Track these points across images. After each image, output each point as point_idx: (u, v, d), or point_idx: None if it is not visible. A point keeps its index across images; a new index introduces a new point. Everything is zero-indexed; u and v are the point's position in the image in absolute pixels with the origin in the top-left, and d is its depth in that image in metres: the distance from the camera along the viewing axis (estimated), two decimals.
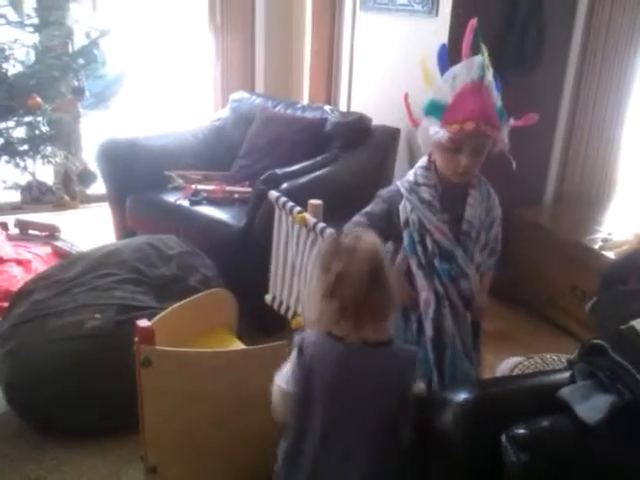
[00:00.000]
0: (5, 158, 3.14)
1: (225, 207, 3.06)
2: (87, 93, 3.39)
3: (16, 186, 3.48)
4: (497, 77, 1.73)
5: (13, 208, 3.90)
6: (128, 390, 1.85)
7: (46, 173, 3.86)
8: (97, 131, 3.71)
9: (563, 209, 3.48)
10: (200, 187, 3.19)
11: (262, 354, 1.90)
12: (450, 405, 1.36)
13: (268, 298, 2.37)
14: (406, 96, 1.83)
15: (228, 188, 3.19)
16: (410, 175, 1.84)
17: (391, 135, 3.27)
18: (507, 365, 2.30)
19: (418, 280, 1.79)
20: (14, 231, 3.38)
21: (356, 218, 1.84)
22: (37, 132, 3.20)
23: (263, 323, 2.66)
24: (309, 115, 3.43)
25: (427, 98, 1.74)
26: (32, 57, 3.25)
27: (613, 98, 3.30)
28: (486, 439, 1.29)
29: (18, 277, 2.82)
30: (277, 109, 3.55)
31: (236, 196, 3.15)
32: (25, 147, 3.18)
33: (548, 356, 2.33)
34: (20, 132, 3.23)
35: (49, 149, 3.22)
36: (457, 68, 1.68)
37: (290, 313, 2.24)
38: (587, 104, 3.33)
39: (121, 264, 2.47)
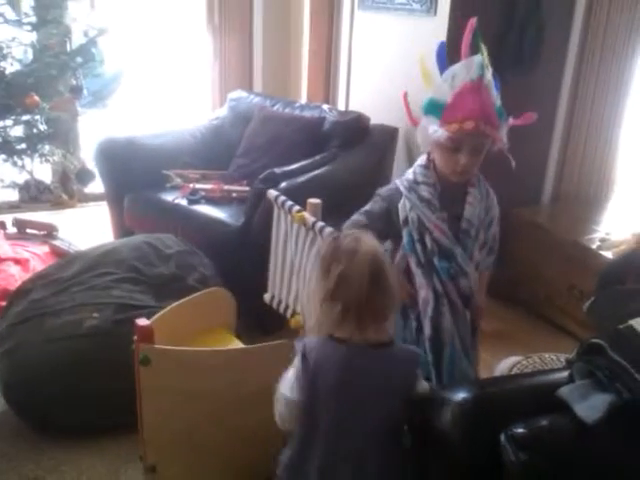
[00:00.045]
0: (3, 157, 3.13)
1: (223, 206, 3.06)
2: (85, 92, 3.38)
3: (14, 185, 3.48)
4: (496, 76, 1.73)
5: (11, 207, 3.90)
6: (126, 389, 1.85)
7: (44, 172, 3.86)
8: (95, 130, 3.71)
9: (561, 209, 3.48)
10: (198, 186, 3.19)
11: (261, 353, 1.90)
12: (449, 405, 1.35)
13: (267, 297, 2.36)
14: (405, 95, 1.84)
15: (226, 187, 3.19)
16: (409, 174, 1.84)
17: (389, 134, 3.27)
18: (505, 365, 2.31)
19: (417, 278, 1.79)
20: (12, 230, 3.37)
21: (355, 217, 1.84)
22: (35, 131, 3.19)
23: (262, 322, 2.66)
24: (307, 114, 3.43)
25: (426, 97, 1.74)
26: (30, 56, 3.24)
27: (611, 98, 3.30)
28: (485, 438, 1.29)
29: (16, 276, 2.81)
30: (275, 108, 3.55)
31: (234, 195, 3.15)
32: (23, 146, 3.17)
33: (546, 355, 2.34)
34: (18, 131, 3.23)
35: (47, 148, 3.22)
36: (456, 67, 1.69)
37: (289, 312, 2.24)
38: (585, 104, 3.34)
39: (119, 263, 2.47)
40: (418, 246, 1.78)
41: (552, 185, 3.55)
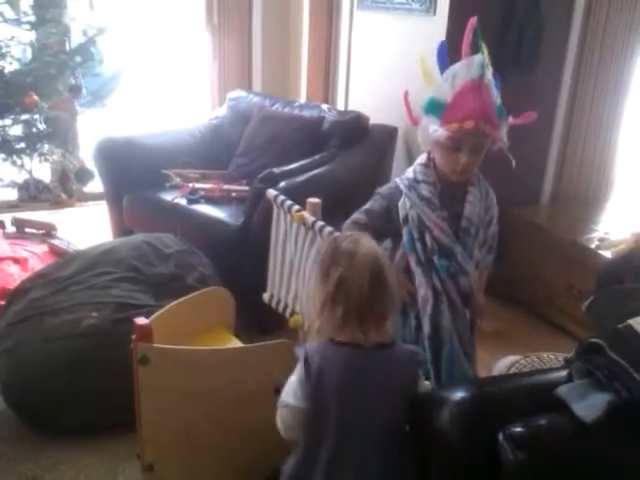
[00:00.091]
0: (2, 156, 3.13)
1: (222, 206, 3.06)
2: (84, 91, 3.39)
3: (13, 184, 3.48)
4: (496, 75, 1.73)
5: (10, 206, 3.89)
6: (125, 388, 1.84)
7: (43, 171, 3.86)
8: (94, 129, 3.71)
9: (560, 209, 3.48)
10: (197, 186, 3.19)
11: (260, 352, 1.90)
12: (447, 404, 1.35)
13: (266, 296, 2.36)
14: (406, 94, 1.84)
15: (225, 187, 3.19)
16: (409, 172, 1.84)
17: (389, 134, 3.27)
18: (504, 364, 2.31)
19: (417, 277, 1.79)
20: (11, 229, 3.37)
21: (355, 215, 1.84)
22: (34, 130, 3.19)
23: (261, 321, 2.66)
24: (306, 114, 3.43)
25: (426, 96, 1.74)
26: (29, 55, 3.24)
27: (610, 98, 3.30)
28: (483, 437, 1.29)
29: (15, 275, 2.81)
30: (274, 108, 3.55)
31: (233, 195, 3.15)
32: (22, 145, 3.17)
33: (545, 355, 2.34)
34: (17, 130, 3.23)
35: (46, 147, 3.22)
36: (457, 66, 1.69)
37: (288, 311, 2.24)
38: (584, 104, 3.34)
39: (118, 262, 2.47)
40: (418, 245, 1.78)
41: (551, 185, 3.55)
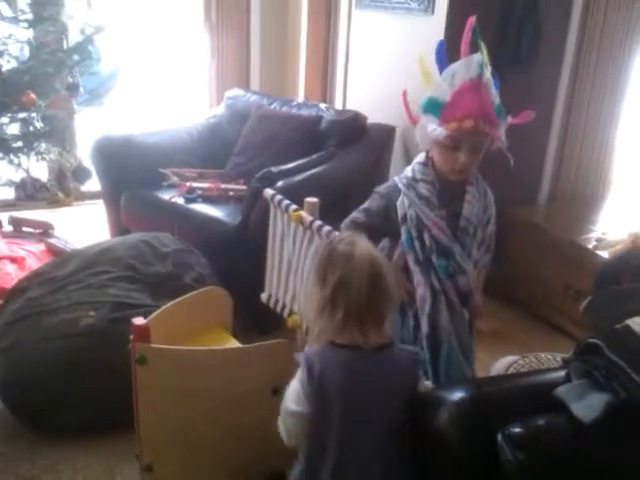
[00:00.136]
0: None
1: (220, 205, 3.06)
2: (81, 89, 3.37)
3: (10, 183, 3.47)
4: (495, 75, 1.73)
5: (7, 205, 3.89)
6: (123, 388, 1.84)
7: (40, 170, 3.85)
8: (92, 128, 3.70)
9: (558, 208, 3.49)
10: (195, 185, 3.19)
11: (258, 352, 1.90)
12: (446, 404, 1.35)
13: (264, 296, 2.36)
14: (405, 93, 1.83)
15: (223, 186, 3.19)
16: (408, 171, 1.84)
17: (386, 133, 3.27)
18: (502, 364, 2.31)
19: (415, 276, 1.79)
20: (8, 228, 3.37)
21: (354, 214, 1.84)
22: (31, 128, 3.18)
23: (259, 321, 2.66)
24: (304, 113, 3.43)
25: (425, 96, 1.74)
26: (26, 53, 3.23)
27: (608, 97, 3.31)
28: (482, 438, 1.29)
29: (12, 274, 2.81)
30: (272, 107, 3.55)
31: (231, 194, 3.15)
32: (19, 144, 3.16)
33: (543, 355, 2.34)
34: (14, 129, 3.21)
35: (43, 146, 3.20)
36: (456, 66, 1.69)
37: (286, 311, 2.24)
38: (582, 103, 3.34)
39: (115, 261, 2.46)
40: (416, 243, 1.78)
41: (549, 185, 3.56)
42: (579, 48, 3.30)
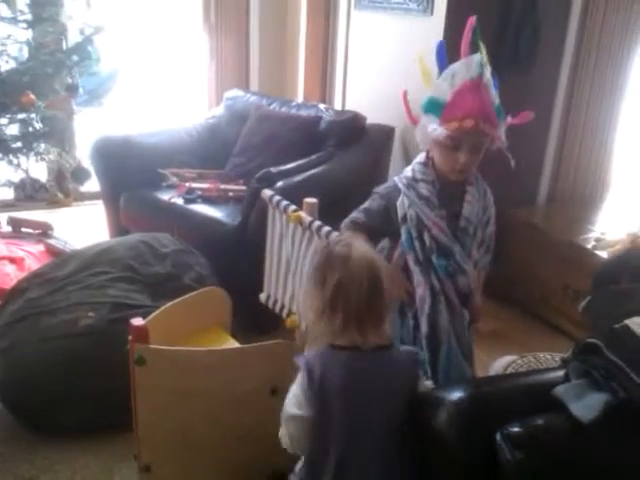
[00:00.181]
0: None
1: (219, 205, 3.06)
2: (81, 90, 3.37)
3: (9, 183, 3.47)
4: (495, 75, 1.73)
5: (6, 205, 3.88)
6: (121, 388, 1.84)
7: (39, 170, 3.85)
8: (91, 128, 3.70)
9: (557, 209, 3.49)
10: (194, 185, 3.18)
11: (256, 353, 1.90)
12: (445, 404, 1.36)
13: (263, 297, 2.36)
14: (405, 94, 1.83)
15: (222, 186, 3.19)
16: (408, 171, 1.84)
17: (386, 134, 3.27)
18: (500, 364, 2.31)
19: (415, 276, 1.79)
20: (7, 229, 3.36)
21: (354, 214, 1.84)
22: (30, 129, 3.18)
23: (257, 322, 2.66)
24: (304, 113, 3.43)
25: (425, 96, 1.74)
26: (25, 54, 3.23)
27: (607, 98, 3.31)
28: (481, 438, 1.29)
29: (11, 275, 2.81)
30: (272, 107, 3.55)
31: (230, 194, 3.15)
32: (18, 144, 3.16)
33: (541, 355, 2.34)
34: (13, 129, 3.21)
35: (42, 146, 3.20)
36: (456, 66, 1.69)
37: (285, 312, 2.24)
38: (581, 104, 3.35)
39: (115, 262, 2.46)
40: (416, 243, 1.78)
41: (548, 185, 3.56)
42: (578, 49, 3.30)
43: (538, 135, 3.40)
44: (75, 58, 3.27)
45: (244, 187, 3.09)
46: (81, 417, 2.19)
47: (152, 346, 1.78)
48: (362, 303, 1.40)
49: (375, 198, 1.85)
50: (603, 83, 3.28)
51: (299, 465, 1.52)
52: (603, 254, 2.81)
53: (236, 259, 2.76)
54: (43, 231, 3.36)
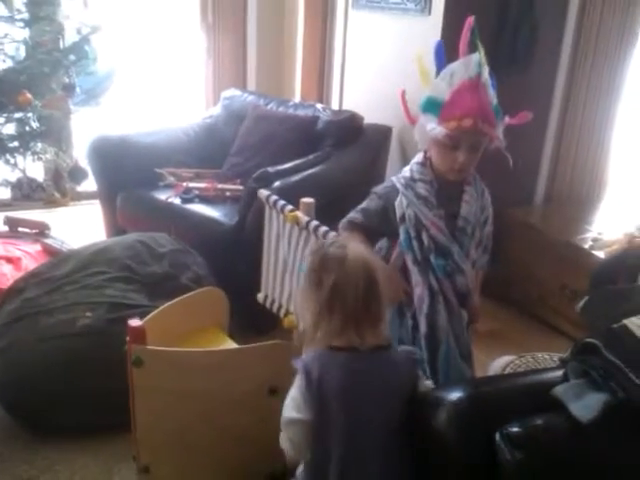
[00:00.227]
0: None
1: (217, 205, 3.05)
2: (78, 89, 3.36)
3: (6, 183, 3.46)
4: (493, 75, 1.73)
5: (3, 205, 3.87)
6: (120, 388, 1.84)
7: (36, 170, 3.84)
8: (88, 128, 3.69)
9: (554, 209, 3.49)
10: (192, 185, 3.18)
11: (254, 353, 1.89)
12: (444, 404, 1.36)
13: (260, 296, 2.36)
14: (403, 93, 1.83)
15: (220, 186, 3.18)
16: (406, 171, 1.84)
17: (383, 133, 3.27)
18: (499, 364, 2.32)
19: (413, 276, 1.79)
20: (3, 228, 3.35)
21: (351, 214, 1.84)
22: (27, 128, 3.17)
23: (255, 322, 2.65)
24: (301, 113, 3.43)
25: (424, 95, 1.74)
26: (22, 53, 3.22)
27: (603, 98, 3.31)
28: (480, 438, 1.29)
29: (8, 275, 2.80)
30: (269, 107, 3.55)
31: (228, 194, 3.14)
32: (15, 144, 3.15)
33: (539, 355, 2.35)
34: (10, 128, 3.20)
35: (39, 146, 3.19)
36: (455, 65, 1.69)
37: (282, 312, 2.24)
38: (578, 104, 3.35)
39: (112, 262, 2.46)
40: (415, 243, 1.78)
41: (545, 185, 3.56)
42: (575, 49, 3.31)
43: (535, 135, 3.40)
44: (72, 57, 3.26)
45: (241, 187, 3.08)
46: (80, 417, 2.19)
47: (149, 347, 1.78)
48: (359, 304, 1.40)
49: (373, 198, 1.85)
50: (600, 83, 3.28)
51: (300, 469, 1.52)
52: (600, 254, 2.82)
53: (233, 259, 2.76)
54: (40, 231, 3.35)
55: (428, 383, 1.53)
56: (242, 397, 1.87)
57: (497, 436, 1.27)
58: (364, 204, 1.85)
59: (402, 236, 1.79)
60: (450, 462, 1.32)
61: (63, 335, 2.19)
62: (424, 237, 1.77)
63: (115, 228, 3.33)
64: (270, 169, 2.80)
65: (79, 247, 2.71)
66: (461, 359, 1.83)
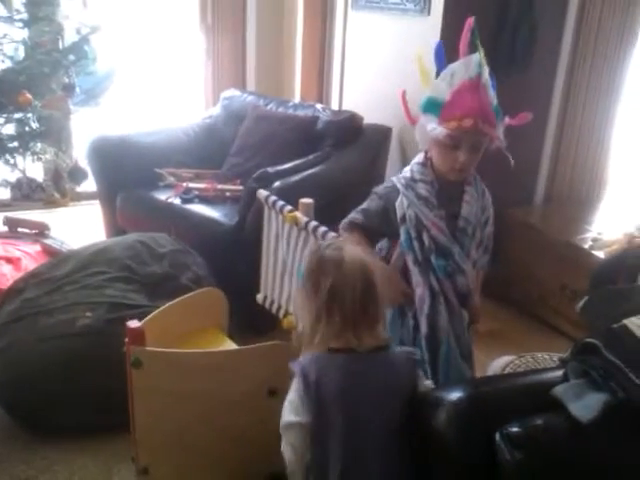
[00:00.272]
0: None
1: (217, 205, 3.05)
2: (77, 90, 3.36)
3: (6, 183, 3.46)
4: (492, 75, 1.74)
5: (2, 205, 3.86)
6: (119, 388, 1.84)
7: (36, 170, 3.83)
8: (87, 128, 3.69)
9: (553, 209, 3.49)
10: (191, 185, 3.18)
11: (253, 354, 1.89)
12: (444, 404, 1.36)
13: (259, 297, 2.36)
14: (403, 93, 1.83)
15: (220, 186, 3.18)
16: (406, 172, 1.84)
17: (383, 134, 3.27)
18: (498, 364, 2.31)
19: (414, 276, 1.79)
20: (3, 229, 3.35)
21: (352, 215, 1.84)
22: (27, 129, 3.17)
23: (254, 322, 2.65)
24: (301, 113, 3.43)
25: (424, 95, 1.74)
26: (21, 53, 3.22)
27: (603, 97, 3.31)
28: (480, 438, 1.29)
29: (7, 275, 2.80)
30: (269, 107, 3.55)
31: (228, 194, 3.14)
32: (15, 144, 3.15)
33: (539, 355, 2.34)
34: (10, 129, 3.20)
35: (39, 146, 3.20)
36: (455, 65, 1.69)
37: (281, 312, 2.24)
38: (577, 103, 3.35)
39: (112, 262, 2.46)
40: (415, 244, 1.77)
41: (545, 185, 3.56)
42: (574, 49, 3.31)
43: (535, 135, 3.40)
44: (72, 57, 3.26)
45: (241, 187, 3.08)
46: (79, 417, 2.19)
47: (148, 348, 1.78)
48: (357, 306, 1.40)
49: (374, 199, 1.85)
50: (600, 82, 3.28)
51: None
52: (600, 254, 2.82)
53: (233, 259, 2.76)
54: (40, 231, 3.35)
55: (428, 383, 1.53)
56: (241, 398, 1.87)
57: (497, 436, 1.27)
58: (365, 204, 1.85)
59: (403, 236, 1.79)
60: (450, 462, 1.32)
61: (63, 335, 2.18)
62: (425, 237, 1.77)
63: (115, 228, 3.33)
64: (270, 169, 2.80)
65: (79, 247, 2.71)
66: (462, 359, 1.83)
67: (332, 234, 1.92)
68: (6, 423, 2.25)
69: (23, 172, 3.42)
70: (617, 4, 3.14)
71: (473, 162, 1.75)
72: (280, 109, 3.51)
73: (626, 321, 1.45)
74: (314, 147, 3.22)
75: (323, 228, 1.95)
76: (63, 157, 3.41)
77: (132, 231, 3.01)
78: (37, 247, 3.17)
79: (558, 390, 1.35)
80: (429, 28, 3.00)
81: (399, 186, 1.80)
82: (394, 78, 3.07)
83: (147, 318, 1.96)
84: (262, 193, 2.26)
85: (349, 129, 3.27)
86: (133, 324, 1.77)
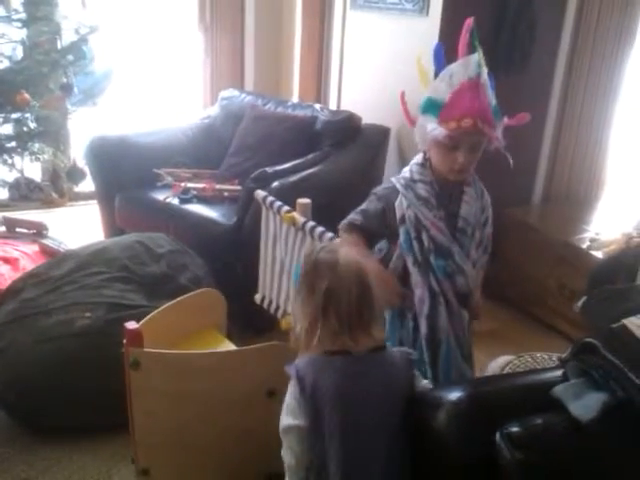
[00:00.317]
0: None
1: (215, 205, 3.05)
2: (75, 90, 3.36)
3: (4, 183, 3.46)
4: (491, 76, 1.74)
5: (0, 205, 3.86)
6: (119, 389, 1.83)
7: (34, 170, 3.83)
8: (86, 128, 3.69)
9: (552, 209, 3.50)
10: (190, 185, 3.18)
11: (252, 354, 1.89)
12: (444, 404, 1.36)
13: (257, 297, 2.36)
14: (403, 94, 1.83)
15: (218, 186, 3.18)
16: (406, 172, 1.84)
17: (381, 134, 3.27)
18: (497, 364, 2.32)
19: (413, 277, 1.79)
20: (1, 229, 3.35)
21: (351, 216, 1.84)
22: (25, 129, 3.17)
23: (253, 322, 2.65)
24: (299, 113, 3.42)
25: (423, 96, 1.74)
26: (20, 53, 3.21)
27: (601, 97, 3.32)
28: (480, 437, 1.29)
29: (5, 275, 2.79)
30: (267, 107, 3.55)
31: (226, 194, 3.14)
32: (13, 144, 3.15)
33: (538, 355, 2.35)
34: (8, 129, 3.20)
35: (37, 146, 3.19)
36: (454, 66, 1.69)
37: (280, 312, 2.24)
38: (575, 103, 3.36)
39: (110, 262, 2.45)
40: (415, 244, 1.77)
41: (543, 185, 3.57)
42: (573, 49, 3.31)
43: (533, 135, 3.40)
44: (70, 57, 3.25)
45: (239, 187, 3.08)
46: (78, 418, 2.19)
47: (146, 350, 1.78)
48: (352, 308, 1.40)
49: (373, 199, 1.85)
50: (598, 82, 3.29)
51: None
52: (598, 254, 2.82)
53: (231, 259, 2.76)
54: (38, 231, 3.34)
55: (425, 383, 1.53)
56: (240, 398, 1.87)
57: (497, 436, 1.27)
58: (364, 205, 1.85)
59: (402, 237, 1.79)
60: (450, 462, 1.32)
61: (62, 335, 2.18)
62: (424, 238, 1.77)
63: (113, 228, 3.33)
64: (268, 169, 2.80)
65: (77, 247, 2.70)
66: (462, 359, 1.83)
67: (329, 234, 1.92)
68: (6, 424, 2.25)
69: (21, 172, 3.42)
70: (615, 4, 3.15)
71: (472, 162, 1.75)
72: (278, 109, 3.51)
73: (625, 321, 1.45)
74: (312, 147, 3.22)
75: (320, 228, 1.95)
76: (61, 157, 3.41)
77: (130, 231, 3.01)
78: (35, 247, 3.17)
79: (558, 390, 1.35)
80: (428, 28, 3.00)
81: (398, 186, 1.80)
82: (392, 78, 3.08)
83: (146, 318, 1.96)
84: (260, 193, 2.26)
85: (347, 129, 3.28)
86: (131, 325, 1.77)
